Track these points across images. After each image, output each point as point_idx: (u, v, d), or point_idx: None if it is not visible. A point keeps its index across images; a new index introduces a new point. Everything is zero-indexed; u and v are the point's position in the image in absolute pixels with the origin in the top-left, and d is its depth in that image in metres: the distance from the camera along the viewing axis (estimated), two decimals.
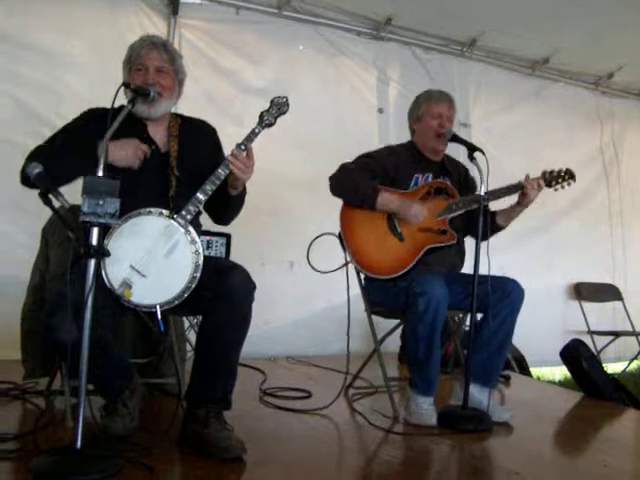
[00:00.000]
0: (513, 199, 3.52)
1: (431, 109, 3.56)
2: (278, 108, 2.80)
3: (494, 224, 3.49)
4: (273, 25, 5.30)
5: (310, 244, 3.60)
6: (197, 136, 2.94)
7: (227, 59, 5.16)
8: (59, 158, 2.55)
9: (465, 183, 3.70)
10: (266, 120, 2.78)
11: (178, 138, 2.84)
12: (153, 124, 2.83)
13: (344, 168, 3.50)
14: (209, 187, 2.64)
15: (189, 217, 2.61)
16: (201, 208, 2.68)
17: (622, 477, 2.80)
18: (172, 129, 2.86)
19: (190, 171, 2.76)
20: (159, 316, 2.50)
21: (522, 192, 3.44)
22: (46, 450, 2.34)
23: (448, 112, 3.57)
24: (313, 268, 3.61)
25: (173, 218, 2.58)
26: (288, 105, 2.82)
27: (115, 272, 2.45)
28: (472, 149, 3.35)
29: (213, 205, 2.86)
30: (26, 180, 2.44)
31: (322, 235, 3.59)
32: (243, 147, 2.69)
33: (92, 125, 2.65)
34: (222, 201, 2.83)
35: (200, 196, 2.64)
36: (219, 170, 2.66)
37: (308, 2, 5.29)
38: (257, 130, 2.75)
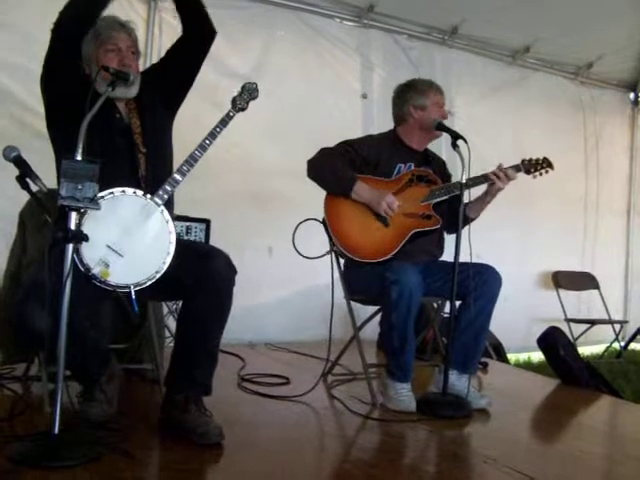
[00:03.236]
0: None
1: (436, 99, 3.58)
2: (249, 93, 2.88)
3: (464, 216, 3.50)
4: (254, 10, 5.25)
5: (295, 228, 3.58)
6: (149, 95, 2.86)
7: None
8: None
9: (443, 175, 3.70)
10: (239, 104, 2.85)
11: (137, 111, 2.81)
12: (119, 103, 2.80)
13: (324, 152, 3.49)
14: (185, 168, 2.66)
15: (166, 197, 2.61)
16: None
17: (597, 463, 2.84)
18: (130, 105, 2.81)
19: (156, 142, 2.77)
20: (133, 295, 2.49)
21: (490, 182, 3.46)
22: (23, 436, 2.33)
23: (444, 102, 3.64)
24: (299, 253, 3.59)
25: (151, 198, 2.57)
26: (258, 91, 2.91)
27: (91, 252, 2.42)
28: (456, 137, 3.35)
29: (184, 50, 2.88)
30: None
31: (307, 220, 3.57)
32: (219, 130, 2.73)
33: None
34: (183, 36, 2.84)
35: (177, 177, 2.65)
36: (195, 152, 2.69)
37: None
38: (231, 114, 2.82)
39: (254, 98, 2.89)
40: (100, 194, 2.41)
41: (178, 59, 2.88)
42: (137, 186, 2.60)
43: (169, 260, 2.54)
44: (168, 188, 2.62)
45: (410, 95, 3.62)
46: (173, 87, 2.91)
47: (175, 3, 2.83)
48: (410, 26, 5.88)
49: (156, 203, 2.57)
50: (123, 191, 2.54)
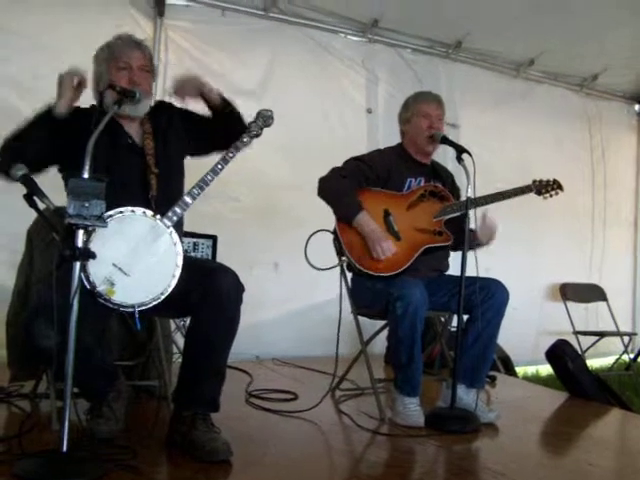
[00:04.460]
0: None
1: (420, 109, 3.57)
2: (264, 120, 2.90)
3: (475, 240, 3.50)
4: (259, 26, 5.29)
5: (307, 240, 3.58)
6: (167, 123, 2.89)
7: (214, 60, 5.12)
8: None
9: (452, 190, 3.70)
10: (253, 131, 2.85)
11: (152, 134, 2.81)
12: (127, 122, 2.80)
13: (336, 173, 3.48)
14: (196, 191, 2.67)
15: (175, 219, 2.61)
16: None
17: (607, 476, 2.83)
18: (145, 126, 2.82)
19: (168, 166, 2.79)
20: (137, 314, 2.48)
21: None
22: (32, 453, 2.33)
23: (436, 111, 3.57)
24: (310, 265, 3.58)
25: (160, 219, 2.58)
26: (273, 118, 2.92)
27: (97, 270, 2.42)
28: (461, 151, 3.35)
29: (211, 134, 2.89)
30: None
31: (318, 232, 3.59)
32: (231, 155, 2.75)
33: (69, 125, 2.59)
34: (214, 122, 2.86)
35: (188, 200, 2.65)
36: (207, 176, 2.69)
37: (294, 4, 5.29)
38: (245, 140, 2.82)
39: (268, 125, 2.91)
40: (109, 212, 2.44)
41: (205, 134, 2.90)
42: (147, 206, 2.60)
43: (174, 283, 2.54)
44: (178, 210, 2.63)
45: (400, 110, 3.69)
46: (195, 144, 2.94)
47: (212, 112, 2.88)
48: (414, 40, 5.91)
49: (165, 224, 2.58)
50: (133, 211, 2.54)
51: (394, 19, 5.58)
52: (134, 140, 2.79)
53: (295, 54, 5.45)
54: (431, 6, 5.26)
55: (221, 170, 2.73)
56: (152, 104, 2.89)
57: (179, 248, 2.59)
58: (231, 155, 2.75)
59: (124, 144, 2.76)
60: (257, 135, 2.87)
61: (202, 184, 2.68)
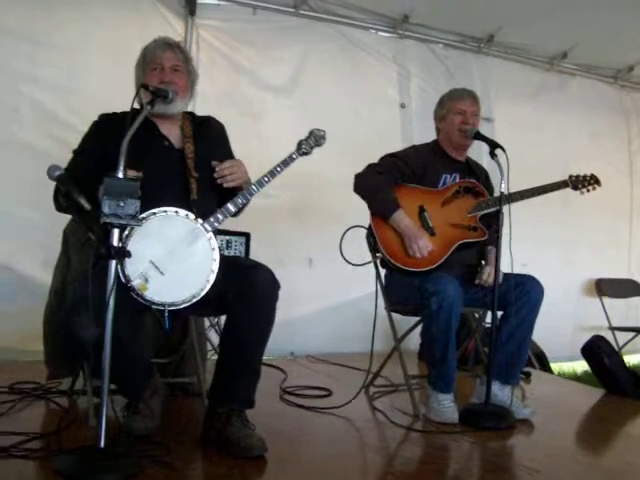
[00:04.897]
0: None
1: (454, 106, 3.57)
2: (315, 140, 2.92)
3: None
4: (290, 24, 5.29)
5: (342, 236, 3.62)
6: (210, 134, 2.96)
7: (245, 58, 5.15)
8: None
9: (486, 187, 3.67)
10: (304, 148, 2.89)
11: (193, 138, 2.85)
12: (165, 123, 2.84)
13: (372, 169, 3.50)
14: (240, 200, 2.71)
15: (216, 225, 2.64)
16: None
17: None
18: (186, 130, 2.86)
19: (207, 170, 2.79)
20: (166, 314, 2.52)
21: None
22: (69, 449, 2.36)
23: (471, 108, 3.57)
24: (346, 260, 3.60)
25: (202, 224, 2.60)
26: (325, 139, 2.93)
27: (134, 265, 2.45)
28: (494, 146, 3.34)
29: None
30: (60, 207, 2.55)
31: (353, 227, 3.60)
32: (279, 169, 2.80)
33: (105, 134, 2.67)
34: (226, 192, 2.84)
35: (231, 207, 2.70)
36: (252, 187, 2.74)
37: (325, 1, 5.28)
38: (294, 156, 2.87)
39: (320, 145, 2.93)
40: (153, 210, 2.49)
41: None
42: (188, 210, 2.63)
43: (208, 287, 2.56)
44: (220, 217, 2.66)
45: (435, 108, 3.69)
46: None
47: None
48: (445, 35, 5.86)
49: (206, 229, 2.61)
50: (176, 212, 2.58)
51: (424, 14, 5.54)
52: (171, 142, 2.82)
53: (326, 51, 5.44)
54: (461, 0, 5.21)
55: (267, 183, 2.77)
56: (186, 106, 2.93)
57: (216, 254, 2.61)
58: (279, 170, 2.79)
59: (160, 146, 2.79)
60: (306, 153, 2.90)
61: (247, 194, 2.72)
